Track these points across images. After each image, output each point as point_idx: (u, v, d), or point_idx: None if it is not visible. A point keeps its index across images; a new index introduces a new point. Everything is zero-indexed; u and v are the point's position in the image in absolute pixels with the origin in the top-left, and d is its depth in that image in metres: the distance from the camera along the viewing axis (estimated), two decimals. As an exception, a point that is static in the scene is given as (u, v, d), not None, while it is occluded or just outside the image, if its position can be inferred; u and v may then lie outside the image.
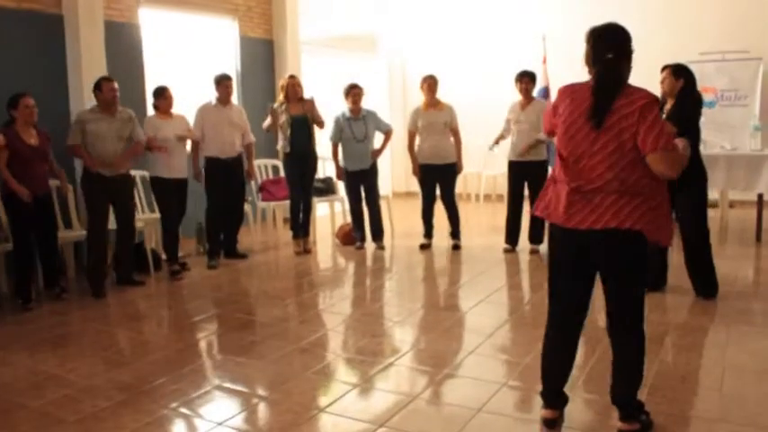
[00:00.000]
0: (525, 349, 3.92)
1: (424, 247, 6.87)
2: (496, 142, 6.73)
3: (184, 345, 4.28)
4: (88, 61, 6.18)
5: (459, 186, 7.62)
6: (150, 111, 6.21)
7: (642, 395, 2.83)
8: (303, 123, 6.53)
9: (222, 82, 6.36)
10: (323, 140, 7.15)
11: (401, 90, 11.15)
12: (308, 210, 6.86)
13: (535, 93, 6.78)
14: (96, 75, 5.73)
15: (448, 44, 10.63)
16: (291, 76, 6.72)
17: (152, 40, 7.24)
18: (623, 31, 2.67)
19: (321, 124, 6.69)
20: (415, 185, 7.57)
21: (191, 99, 6.65)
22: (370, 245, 7.04)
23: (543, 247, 6.49)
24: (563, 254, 2.78)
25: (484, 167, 9.71)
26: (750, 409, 3.05)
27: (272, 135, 6.89)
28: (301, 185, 6.70)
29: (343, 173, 6.88)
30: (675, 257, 5.20)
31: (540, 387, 2.93)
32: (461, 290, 5.55)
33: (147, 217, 6.32)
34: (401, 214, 8.45)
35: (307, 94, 6.66)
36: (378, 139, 7.01)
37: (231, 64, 8.22)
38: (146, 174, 6.21)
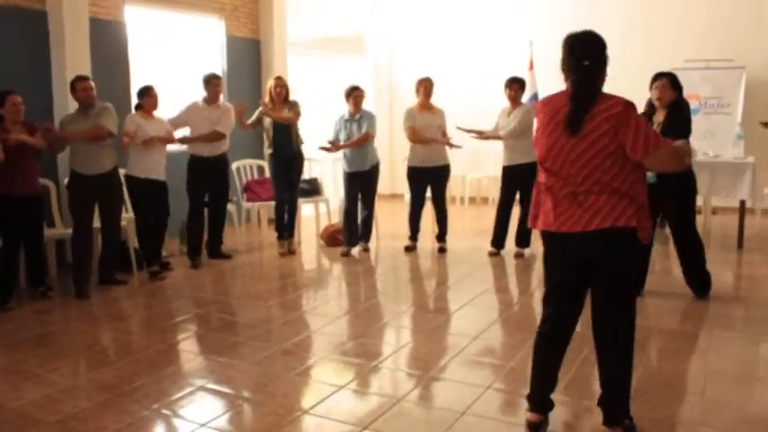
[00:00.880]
0: (511, 352, 3.93)
1: (410, 250, 6.87)
2: (474, 132, 6.61)
3: (167, 345, 4.25)
4: (72, 59, 6.12)
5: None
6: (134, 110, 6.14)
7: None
8: (285, 125, 6.50)
9: (211, 81, 6.31)
10: (310, 141, 7.11)
11: (388, 93, 11.17)
12: (293, 211, 6.83)
13: (525, 99, 6.80)
14: (80, 72, 5.67)
15: (436, 47, 10.66)
16: (278, 78, 6.69)
17: (138, 38, 7.19)
18: (600, 39, 2.70)
19: (287, 120, 6.46)
20: (400, 188, 7.57)
21: (176, 98, 6.60)
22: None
23: (528, 251, 6.53)
24: (556, 258, 2.80)
25: (469, 171, 9.74)
26: (731, 414, 3.07)
27: (257, 135, 6.81)
28: (286, 186, 6.68)
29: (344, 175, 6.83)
30: (657, 264, 5.24)
31: (526, 390, 2.94)
32: (447, 292, 5.55)
33: (129, 216, 6.25)
34: (386, 216, 8.44)
35: (291, 97, 6.61)
36: (378, 140, 6.94)
37: (217, 63, 8.18)
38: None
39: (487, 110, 6.76)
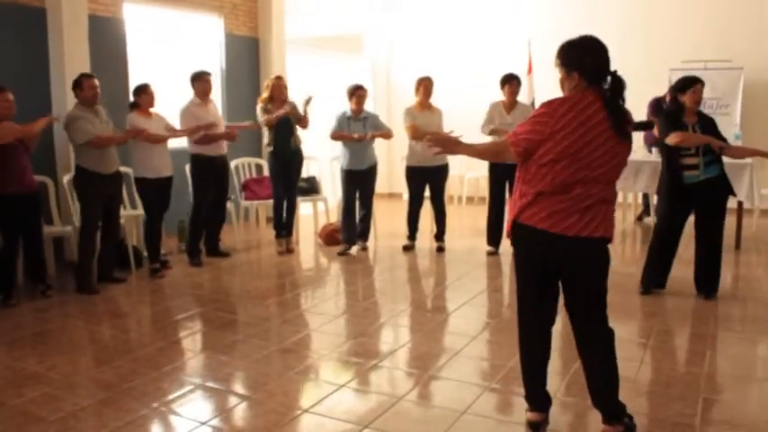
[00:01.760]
0: (510, 352, 3.92)
1: (408, 249, 6.88)
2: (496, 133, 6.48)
3: (166, 343, 4.24)
4: (71, 56, 6.09)
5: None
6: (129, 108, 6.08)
7: (625, 398, 2.84)
8: (286, 123, 6.50)
9: (203, 77, 6.26)
10: (309, 140, 7.11)
11: (385, 91, 11.16)
12: (291, 209, 6.83)
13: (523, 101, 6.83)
14: (79, 70, 5.66)
15: (434, 46, 10.65)
16: (278, 77, 6.68)
17: (136, 35, 7.18)
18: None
19: (304, 124, 6.61)
20: (398, 187, 7.57)
21: (174, 96, 6.58)
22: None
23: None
24: (536, 257, 2.78)
25: (466, 170, 9.74)
26: (730, 413, 3.09)
27: (255, 133, 6.80)
28: (285, 185, 6.68)
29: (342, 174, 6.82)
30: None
31: (523, 391, 2.95)
32: (446, 291, 5.56)
33: (128, 213, 6.24)
34: (384, 215, 8.44)
35: (305, 95, 6.60)
36: (378, 141, 6.96)
37: (216, 61, 8.17)
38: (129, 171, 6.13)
39: (486, 109, 6.75)
